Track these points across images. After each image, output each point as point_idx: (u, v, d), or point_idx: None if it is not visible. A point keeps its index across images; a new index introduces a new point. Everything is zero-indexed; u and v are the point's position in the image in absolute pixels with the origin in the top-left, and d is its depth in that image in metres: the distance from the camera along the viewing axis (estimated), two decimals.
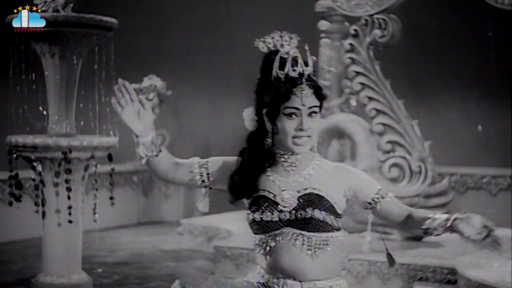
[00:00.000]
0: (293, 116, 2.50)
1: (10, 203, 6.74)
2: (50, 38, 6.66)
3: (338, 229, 2.64)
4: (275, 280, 2.61)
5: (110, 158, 6.75)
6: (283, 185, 2.59)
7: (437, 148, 10.43)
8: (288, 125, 2.51)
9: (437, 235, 2.65)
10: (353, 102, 8.27)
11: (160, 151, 2.71)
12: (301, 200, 2.56)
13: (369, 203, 2.67)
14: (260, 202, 2.58)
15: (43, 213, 6.67)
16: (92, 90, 7.17)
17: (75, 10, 6.74)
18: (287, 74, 2.52)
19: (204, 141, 11.63)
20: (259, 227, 2.57)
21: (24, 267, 7.83)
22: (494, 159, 10.33)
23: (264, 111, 2.59)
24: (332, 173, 2.64)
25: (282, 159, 2.60)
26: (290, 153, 2.61)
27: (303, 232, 2.56)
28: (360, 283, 6.79)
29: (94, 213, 6.69)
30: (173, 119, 12.29)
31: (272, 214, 2.55)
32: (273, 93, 2.50)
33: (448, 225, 2.59)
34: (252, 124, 2.65)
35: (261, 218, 2.56)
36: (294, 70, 2.52)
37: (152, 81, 11.33)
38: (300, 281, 2.60)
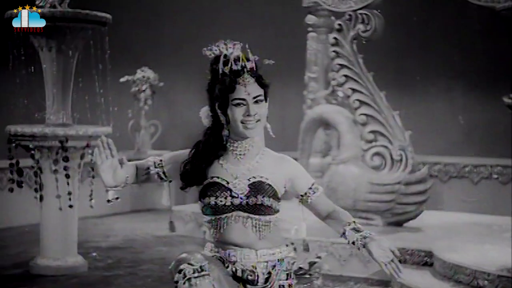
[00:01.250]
0: (241, 105, 2.82)
1: (11, 190, 7.08)
2: (47, 33, 6.98)
3: (277, 211, 2.95)
4: (232, 252, 2.93)
5: None
6: (235, 173, 2.91)
7: (422, 138, 10.78)
8: (237, 113, 2.83)
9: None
10: (340, 94, 8.59)
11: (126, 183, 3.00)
12: (251, 187, 2.88)
13: (302, 196, 3.00)
14: (214, 187, 2.89)
15: (41, 197, 7.00)
16: (87, 82, 7.49)
17: (71, 5, 7.06)
18: (231, 68, 2.84)
19: (195, 131, 11.94)
20: (213, 210, 2.89)
21: (20, 252, 8.10)
22: (476, 148, 10.65)
23: (216, 105, 2.88)
24: (276, 163, 2.96)
25: (232, 148, 2.91)
26: (240, 142, 2.91)
27: (251, 215, 2.89)
28: (343, 265, 7.13)
29: (91, 199, 7.00)
30: (166, 110, 12.58)
31: (225, 199, 2.88)
32: (220, 86, 2.82)
33: (360, 242, 2.91)
34: (208, 120, 2.94)
35: (215, 202, 2.88)
36: (236, 64, 2.84)
37: (145, 73, 11.60)
38: (256, 249, 2.93)
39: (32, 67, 7.20)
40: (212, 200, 2.88)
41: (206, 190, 2.90)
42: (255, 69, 2.89)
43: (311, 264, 6.10)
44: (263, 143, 3.02)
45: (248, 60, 2.88)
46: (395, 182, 7.85)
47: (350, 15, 8.12)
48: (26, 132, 6.92)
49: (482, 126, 10.74)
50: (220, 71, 2.86)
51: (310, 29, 9.96)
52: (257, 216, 2.89)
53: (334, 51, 8.21)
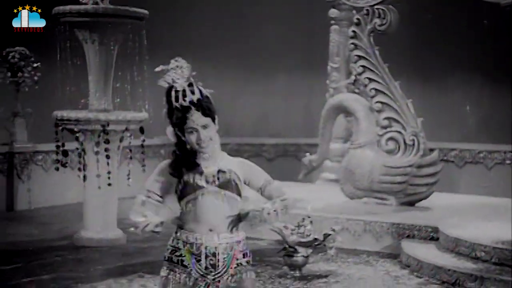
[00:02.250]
0: (193, 132, 3.41)
1: (57, 169, 7.83)
2: (91, 27, 7.74)
3: (240, 196, 3.48)
4: (198, 236, 3.45)
5: (141, 130, 7.81)
6: (206, 164, 3.48)
7: (440, 126, 11.39)
8: (192, 138, 3.41)
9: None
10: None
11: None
12: (219, 174, 3.46)
13: (259, 189, 3.54)
14: (189, 175, 3.44)
15: (84, 177, 7.74)
16: (127, 71, 8.22)
17: (112, 2, 7.77)
18: (181, 105, 3.39)
19: (226, 120, 12.59)
20: (189, 189, 3.42)
21: (65, 227, 8.82)
22: (491, 136, 11.19)
23: (176, 129, 3.45)
24: (236, 166, 3.53)
25: (201, 153, 3.47)
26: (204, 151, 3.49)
27: (223, 190, 3.43)
28: (357, 240, 7.79)
29: (128, 178, 7.68)
30: None
31: (200, 181, 3.42)
32: (175, 120, 3.42)
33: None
34: (174, 137, 3.48)
35: (192, 179, 3.42)
36: (184, 100, 3.39)
37: (178, 63, 12.28)
38: (218, 233, 3.47)
39: (77, 58, 7.92)
40: (189, 178, 3.44)
41: (184, 183, 3.46)
42: (201, 100, 3.41)
43: (326, 236, 6.81)
44: (219, 149, 3.56)
45: (193, 93, 3.41)
46: (407, 165, 8.49)
47: (367, 10, 8.74)
48: (71, 117, 7.66)
49: (497, 115, 11.27)
50: (173, 105, 3.41)
51: (332, 22, 10.60)
52: (227, 192, 3.45)
53: (352, 43, 8.84)
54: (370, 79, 8.73)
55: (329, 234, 6.75)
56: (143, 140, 7.86)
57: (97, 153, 7.63)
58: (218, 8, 12.53)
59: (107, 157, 7.60)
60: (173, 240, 3.60)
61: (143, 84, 8.24)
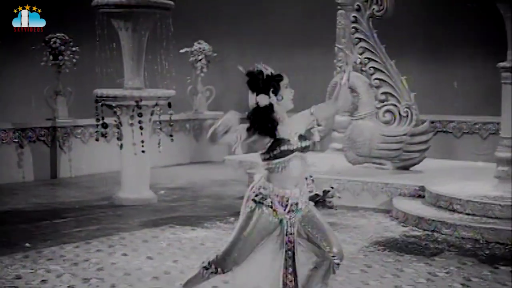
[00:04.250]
0: (288, 86, 4.27)
1: (97, 139, 9.08)
2: (125, 17, 8.89)
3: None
4: (287, 191, 4.24)
5: (169, 105, 9.01)
6: (286, 131, 4.25)
7: (442, 100, 12.46)
8: (288, 94, 4.26)
9: None
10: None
11: None
12: (299, 138, 4.25)
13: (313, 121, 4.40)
14: (280, 142, 4.20)
15: (121, 145, 8.96)
16: (156, 54, 9.40)
17: None
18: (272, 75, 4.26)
19: (244, 95, 13.68)
20: (281, 154, 4.17)
21: (104, 190, 10.11)
22: (491, 109, 12.14)
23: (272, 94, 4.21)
24: (297, 120, 4.34)
25: (280, 121, 4.23)
26: (277, 115, 4.22)
27: (302, 154, 4.25)
28: (356, 198, 8.96)
29: (159, 146, 8.86)
30: (219, 77, 14.43)
31: (288, 146, 4.19)
32: (272, 85, 4.21)
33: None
34: (267, 101, 4.22)
35: (286, 148, 4.17)
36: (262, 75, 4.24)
37: (200, 45, 13.50)
38: (300, 189, 4.31)
39: (113, 44, 9.08)
40: (284, 147, 4.19)
41: (275, 144, 4.20)
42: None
43: (325, 192, 8.04)
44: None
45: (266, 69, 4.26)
46: (402, 134, 9.67)
47: None
48: (109, 94, 8.86)
49: (492, 89, 12.27)
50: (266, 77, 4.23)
51: (339, 7, 11.72)
52: (304, 154, 4.26)
53: (353, 27, 10.00)
54: (369, 59, 9.87)
55: (328, 191, 7.96)
56: (171, 114, 9.08)
57: (131, 125, 8.81)
58: None
59: (141, 128, 8.78)
60: (264, 189, 4.24)
61: (169, 65, 9.43)
